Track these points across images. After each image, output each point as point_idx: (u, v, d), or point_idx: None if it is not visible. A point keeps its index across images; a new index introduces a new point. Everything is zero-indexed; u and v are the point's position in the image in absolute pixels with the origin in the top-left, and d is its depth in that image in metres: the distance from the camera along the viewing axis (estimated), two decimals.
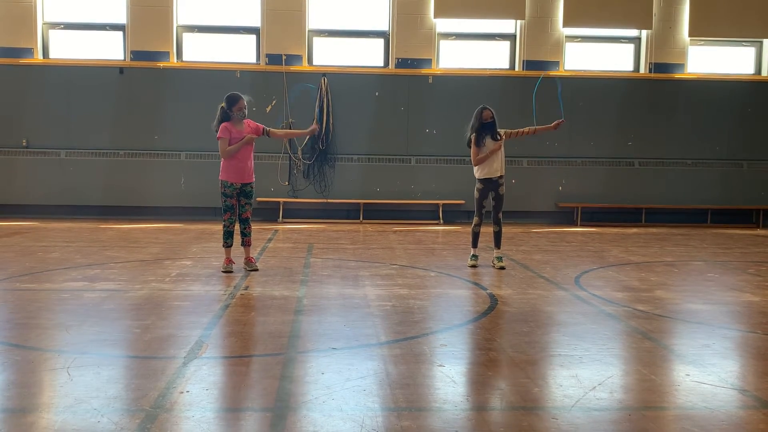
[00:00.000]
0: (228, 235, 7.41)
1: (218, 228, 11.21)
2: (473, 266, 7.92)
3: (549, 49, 13.18)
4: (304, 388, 3.82)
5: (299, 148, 12.96)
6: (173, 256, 8.44)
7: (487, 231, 8.13)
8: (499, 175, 7.87)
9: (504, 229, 8.09)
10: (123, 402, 3.57)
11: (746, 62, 13.77)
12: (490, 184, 7.91)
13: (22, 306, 5.72)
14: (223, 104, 7.33)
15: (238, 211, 7.43)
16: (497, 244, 7.98)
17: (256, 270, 7.41)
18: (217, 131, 7.30)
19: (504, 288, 6.75)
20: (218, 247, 8.93)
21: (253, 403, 3.63)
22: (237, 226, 7.48)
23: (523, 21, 13.08)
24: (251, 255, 7.59)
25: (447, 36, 13.26)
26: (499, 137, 7.80)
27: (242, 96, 7.35)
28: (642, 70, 13.45)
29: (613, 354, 4.62)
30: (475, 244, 8.07)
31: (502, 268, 7.78)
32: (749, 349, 4.86)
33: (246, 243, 7.50)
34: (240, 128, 7.32)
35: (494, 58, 13.38)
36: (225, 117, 7.31)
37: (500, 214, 7.99)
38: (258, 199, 12.53)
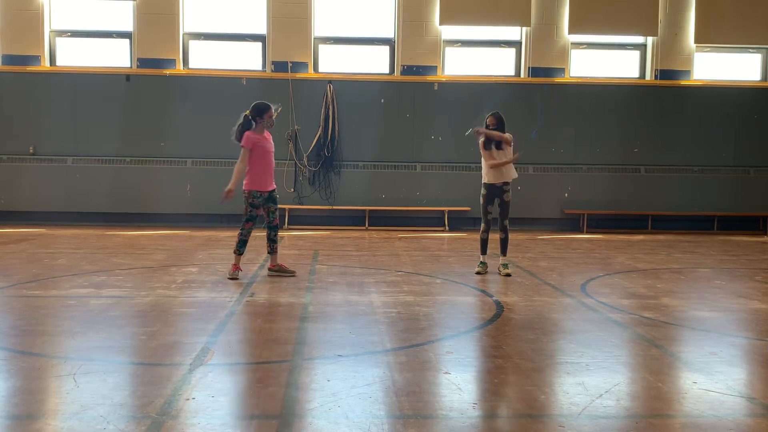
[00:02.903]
0: (242, 244, 7.39)
1: (224, 234, 11.27)
2: (479, 273, 7.89)
3: (554, 55, 13.18)
4: (309, 396, 3.81)
5: (305, 154, 12.98)
6: (179, 263, 8.45)
7: (494, 237, 8.11)
8: (503, 181, 7.86)
9: (510, 236, 8.06)
10: (129, 409, 3.58)
11: (752, 69, 13.75)
12: (494, 190, 7.90)
13: (29, 313, 5.74)
14: (248, 112, 7.29)
15: (269, 218, 7.48)
16: (503, 251, 7.96)
17: (294, 274, 7.48)
18: (238, 139, 7.31)
19: (510, 295, 6.74)
20: (224, 254, 8.95)
21: (259, 411, 3.63)
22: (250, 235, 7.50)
23: (529, 28, 13.08)
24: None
25: (452, 43, 13.27)
26: (505, 146, 7.80)
27: (271, 105, 7.37)
28: (648, 76, 13.44)
29: (619, 361, 4.60)
30: (483, 251, 8.02)
31: (508, 275, 7.76)
32: (757, 356, 4.83)
33: (274, 250, 7.54)
34: (262, 135, 7.35)
35: (499, 65, 13.39)
36: (248, 125, 7.30)
37: (506, 221, 7.96)
38: None
